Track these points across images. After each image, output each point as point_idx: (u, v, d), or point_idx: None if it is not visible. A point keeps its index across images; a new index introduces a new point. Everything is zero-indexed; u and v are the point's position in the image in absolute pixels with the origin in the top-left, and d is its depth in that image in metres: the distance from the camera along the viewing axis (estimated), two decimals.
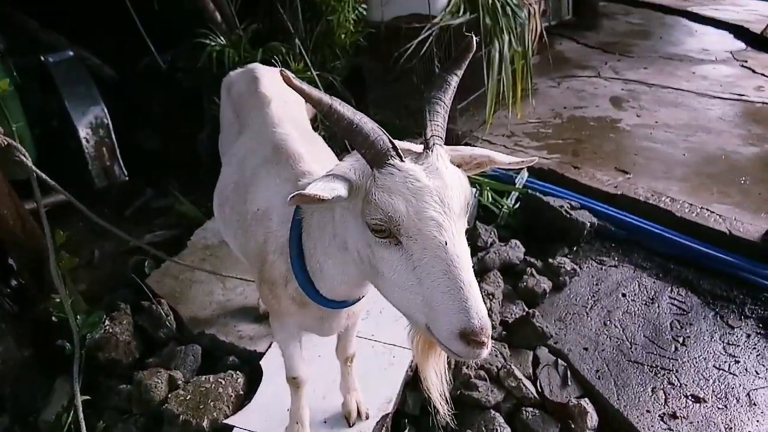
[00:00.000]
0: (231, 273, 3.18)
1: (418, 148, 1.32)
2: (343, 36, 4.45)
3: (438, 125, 1.32)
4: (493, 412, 2.63)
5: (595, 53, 7.40)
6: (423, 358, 1.38)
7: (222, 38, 4.04)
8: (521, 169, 4.39)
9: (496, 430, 2.56)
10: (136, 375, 2.54)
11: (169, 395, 2.47)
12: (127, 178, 4.16)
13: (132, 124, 4.56)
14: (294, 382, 2.15)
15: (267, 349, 2.71)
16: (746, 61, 6.99)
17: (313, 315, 1.76)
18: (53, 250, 2.38)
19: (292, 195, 1.18)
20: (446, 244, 1.17)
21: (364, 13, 4.67)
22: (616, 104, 5.82)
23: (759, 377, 2.89)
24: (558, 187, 4.26)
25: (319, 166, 1.77)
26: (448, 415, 1.52)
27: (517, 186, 4.22)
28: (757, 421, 2.66)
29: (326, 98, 1.24)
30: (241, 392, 2.54)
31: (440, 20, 4.61)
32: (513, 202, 4.11)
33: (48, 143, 3.85)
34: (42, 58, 3.88)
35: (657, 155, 4.79)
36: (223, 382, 2.54)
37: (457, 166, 1.32)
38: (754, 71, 6.66)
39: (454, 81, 1.38)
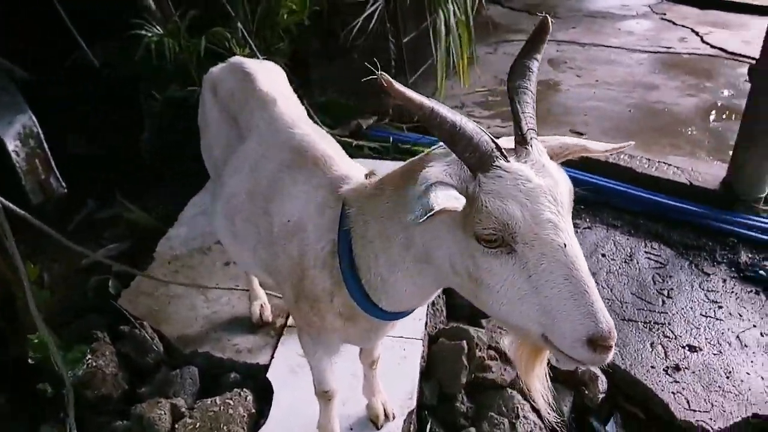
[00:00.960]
0: (210, 283, 2.97)
1: (510, 143, 1.20)
2: (285, 16, 4.21)
3: (531, 116, 1.21)
4: (509, 390, 2.61)
5: (523, 16, 7.48)
6: (529, 369, 1.28)
7: (158, 27, 3.70)
8: None
9: (516, 407, 2.54)
10: (135, 409, 2.31)
11: (176, 426, 2.27)
12: (65, 191, 3.78)
13: (61, 129, 4.14)
14: (326, 396, 2.02)
15: (270, 361, 2.55)
16: (665, 14, 7.28)
17: (361, 328, 1.63)
18: (29, 286, 2.10)
19: (426, 213, 1.00)
20: (565, 246, 1.07)
21: None
22: (555, 66, 5.90)
23: (743, 319, 3.03)
24: None
25: (352, 167, 1.63)
26: (556, 419, 1.44)
27: None
28: (751, 361, 2.79)
29: (427, 102, 1.10)
30: (253, 410, 2.38)
31: None
32: None
33: None
34: None
35: (604, 113, 4.90)
36: (232, 403, 2.36)
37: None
38: (674, 23, 6.95)
39: (536, 66, 1.27)
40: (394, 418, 2.29)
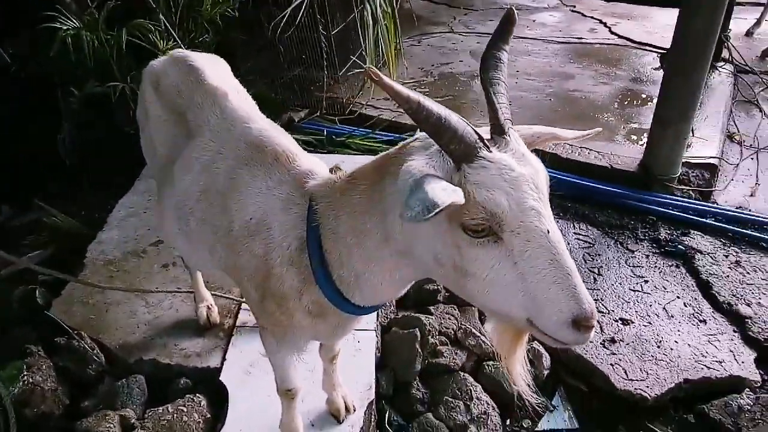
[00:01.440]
0: (150, 287, 2.84)
1: (485, 133, 1.22)
2: (209, 8, 4.07)
3: (506, 106, 1.24)
4: (462, 373, 2.68)
5: (442, 8, 7.59)
6: (510, 353, 1.31)
7: (74, 20, 3.47)
8: (414, 132, 4.42)
9: (469, 389, 2.61)
10: (80, 425, 2.18)
11: None
12: None
13: None
14: (289, 394, 1.99)
15: (222, 363, 2.48)
16: (575, 6, 7.62)
17: (330, 324, 1.62)
18: None
19: (430, 210, 0.99)
20: (548, 232, 1.11)
21: None
22: (477, 58, 6.03)
23: (667, 291, 3.26)
24: None
25: (314, 163, 1.61)
26: (537, 400, 1.48)
27: None
28: (678, 331, 3.01)
29: (414, 95, 1.09)
30: (209, 415, 2.31)
31: None
32: None
33: None
34: None
35: (527, 103, 5.08)
36: (185, 409, 2.28)
37: None
38: (583, 14, 7.29)
39: (506, 57, 1.30)
40: (354, 410, 2.30)
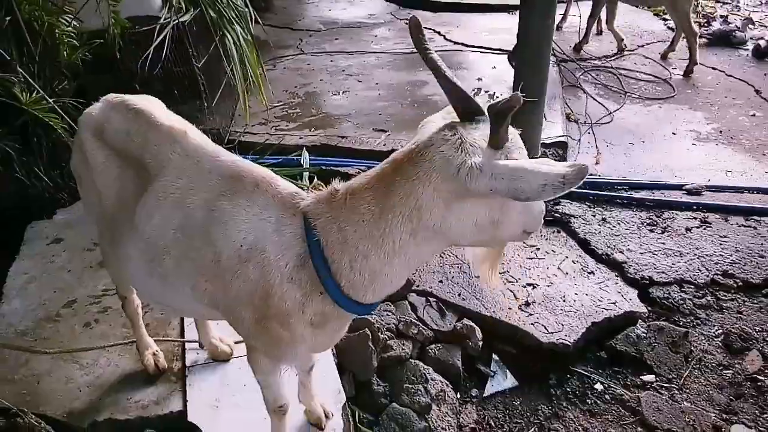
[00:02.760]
0: (78, 346, 2.68)
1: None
2: (67, 53, 3.87)
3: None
4: (412, 361, 2.88)
5: (285, 32, 7.76)
6: (493, 272, 1.73)
7: None
8: (300, 152, 4.55)
9: (422, 373, 2.82)
10: None
11: None
12: None
13: None
14: (280, 411, 2.04)
15: (185, 405, 2.43)
16: (407, 20, 8.18)
17: (328, 332, 1.73)
18: None
19: (562, 189, 1.27)
20: None
21: (78, 24, 4.10)
22: (336, 75, 6.31)
23: (557, 254, 3.74)
24: (339, 158, 4.56)
25: (291, 185, 1.70)
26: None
27: (304, 166, 4.38)
28: (576, 284, 3.47)
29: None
30: None
31: (170, 20, 4.34)
32: (308, 182, 4.26)
33: None
34: None
35: (396, 111, 5.43)
36: None
37: None
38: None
39: (435, 54, 1.53)
40: (332, 415, 2.39)
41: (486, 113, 1.41)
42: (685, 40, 6.52)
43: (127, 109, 1.96)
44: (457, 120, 1.45)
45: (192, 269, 1.75)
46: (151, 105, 2.01)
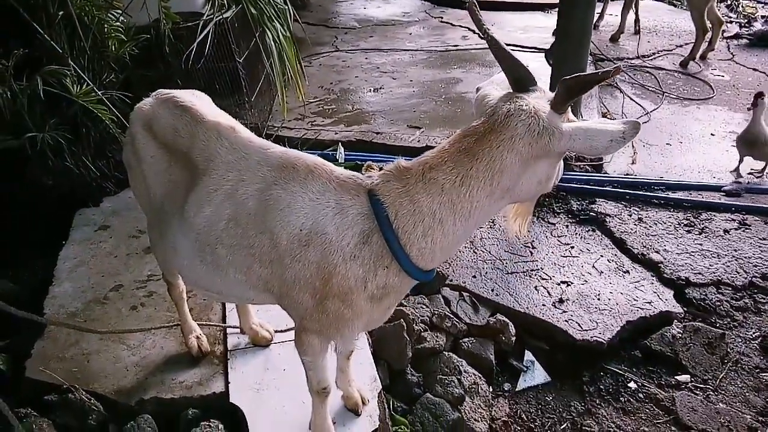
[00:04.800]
0: (125, 327, 2.78)
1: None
2: (115, 46, 4.00)
3: None
4: (446, 353, 2.92)
5: (321, 29, 7.87)
6: (525, 220, 1.87)
7: None
8: (335, 147, 4.63)
9: (456, 365, 2.86)
10: None
11: None
12: None
13: None
14: (324, 393, 2.10)
15: (227, 387, 2.51)
16: (441, 17, 8.25)
17: (383, 306, 1.81)
18: None
19: (630, 125, 1.50)
20: None
21: (125, 19, 4.24)
22: (370, 72, 6.37)
23: (591, 252, 3.74)
24: (373, 153, 4.61)
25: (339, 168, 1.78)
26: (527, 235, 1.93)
27: (339, 162, 4.45)
28: (610, 283, 3.47)
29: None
30: None
31: (213, 16, 4.45)
32: None
33: None
34: None
35: (430, 108, 5.48)
36: None
37: None
38: (452, 24, 7.92)
39: (492, 31, 1.66)
40: (368, 401, 2.45)
41: (536, 84, 1.62)
42: (724, 39, 6.41)
43: (175, 106, 2.03)
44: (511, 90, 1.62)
45: (246, 257, 1.82)
46: (199, 101, 2.08)
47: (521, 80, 1.60)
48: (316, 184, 1.72)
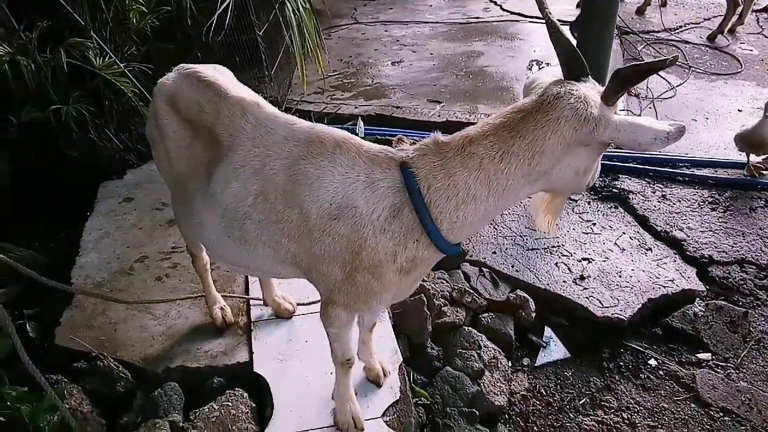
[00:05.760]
0: (151, 298, 2.83)
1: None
2: (137, 18, 4.00)
3: None
4: (466, 328, 2.93)
5: (340, 1, 7.78)
6: (555, 216, 1.87)
7: (4, 45, 3.31)
8: (355, 121, 4.62)
9: (475, 340, 2.88)
10: None
11: None
12: None
13: None
14: (348, 364, 2.13)
15: (251, 357, 2.56)
16: None
17: (411, 279, 1.83)
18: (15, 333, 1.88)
19: (676, 128, 1.49)
20: None
21: None
22: (389, 45, 6.31)
23: (613, 230, 3.71)
24: (393, 128, 4.59)
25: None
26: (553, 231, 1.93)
27: (359, 136, 4.43)
28: (632, 260, 3.44)
29: None
30: (253, 405, 2.39)
31: None
32: None
33: None
34: None
35: (451, 81, 5.42)
36: (231, 404, 2.35)
37: None
38: None
39: (553, 16, 1.64)
40: (389, 373, 2.48)
41: (588, 76, 1.60)
42: (753, 13, 6.23)
43: (198, 81, 2.02)
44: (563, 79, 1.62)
45: (275, 232, 1.83)
46: (222, 76, 2.07)
47: (575, 69, 1.60)
48: (345, 158, 1.72)
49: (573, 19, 4.59)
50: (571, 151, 1.57)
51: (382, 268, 1.73)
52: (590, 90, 1.57)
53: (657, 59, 1.45)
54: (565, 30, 1.63)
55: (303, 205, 1.74)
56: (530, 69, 5.60)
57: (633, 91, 5.29)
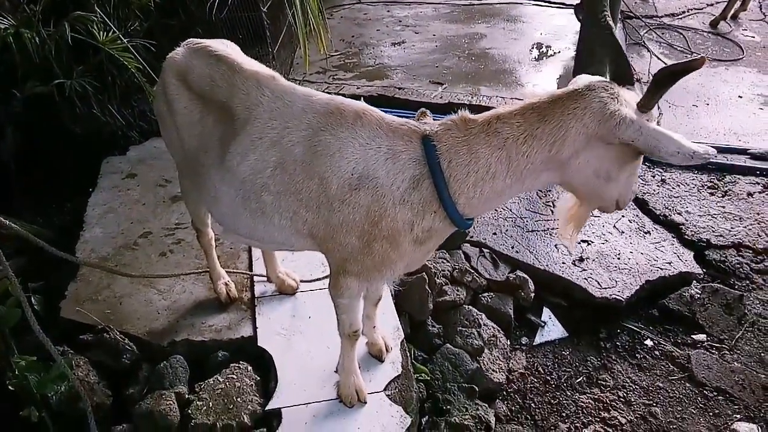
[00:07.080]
0: (155, 273, 2.86)
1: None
2: None
3: None
4: (466, 306, 2.98)
5: None
6: (577, 228, 1.87)
7: (9, 18, 3.30)
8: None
9: (475, 318, 2.92)
10: (139, 407, 2.24)
11: (190, 411, 2.25)
12: None
13: None
14: (355, 336, 2.17)
15: (255, 331, 2.60)
16: None
17: (425, 249, 1.87)
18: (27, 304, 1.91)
19: (703, 150, 1.48)
20: None
21: None
22: (392, 25, 6.28)
23: (611, 215, 3.74)
24: (394, 109, 4.58)
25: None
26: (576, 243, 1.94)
27: None
28: (631, 242, 3.49)
29: None
30: (258, 378, 2.43)
31: None
32: None
33: None
34: None
35: (453, 63, 5.41)
36: (235, 377, 2.39)
37: None
38: None
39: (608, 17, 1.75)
40: (391, 349, 2.53)
41: (633, 86, 1.63)
42: None
43: (209, 55, 2.02)
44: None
45: (293, 202, 1.85)
46: (231, 50, 2.07)
47: (621, 77, 1.63)
48: (366, 129, 1.74)
49: (577, 2, 4.58)
50: (592, 145, 1.57)
51: (399, 237, 1.76)
52: (628, 93, 1.59)
53: (688, 60, 1.45)
54: (616, 34, 1.67)
55: (324, 176, 1.76)
56: (532, 52, 5.60)
57: (635, 75, 5.30)
